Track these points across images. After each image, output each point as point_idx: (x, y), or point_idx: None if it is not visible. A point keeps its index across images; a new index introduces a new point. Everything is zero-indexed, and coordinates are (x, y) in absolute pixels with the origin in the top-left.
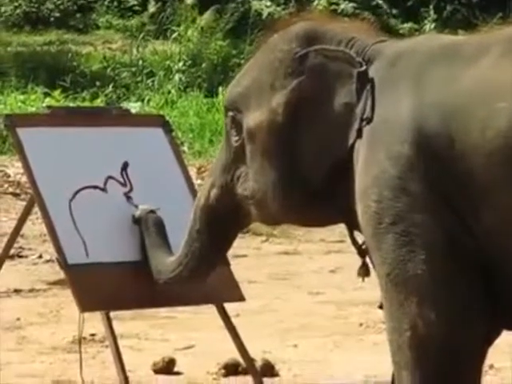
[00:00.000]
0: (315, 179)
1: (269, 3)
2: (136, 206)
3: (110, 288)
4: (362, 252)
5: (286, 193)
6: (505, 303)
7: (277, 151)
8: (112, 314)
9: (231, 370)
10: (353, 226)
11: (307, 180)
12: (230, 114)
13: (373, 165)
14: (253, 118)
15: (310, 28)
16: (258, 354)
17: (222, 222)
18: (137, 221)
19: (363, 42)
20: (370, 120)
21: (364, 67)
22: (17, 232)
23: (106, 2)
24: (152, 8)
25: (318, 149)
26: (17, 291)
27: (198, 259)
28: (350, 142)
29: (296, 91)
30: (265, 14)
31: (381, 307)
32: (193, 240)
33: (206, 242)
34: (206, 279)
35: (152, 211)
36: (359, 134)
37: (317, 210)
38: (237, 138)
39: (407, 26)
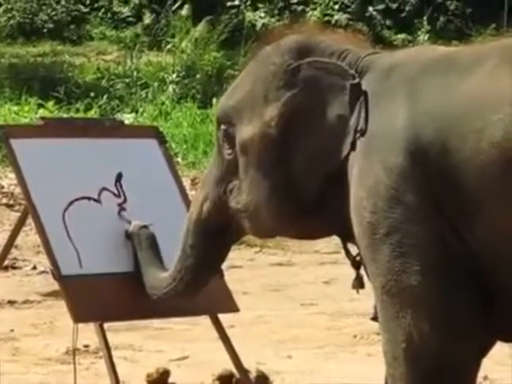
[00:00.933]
0: (308, 192)
1: (263, 14)
2: (129, 222)
3: (104, 299)
4: (356, 264)
5: (279, 205)
6: (500, 314)
7: (270, 164)
8: (106, 325)
9: (225, 381)
10: (347, 238)
11: (300, 192)
12: (223, 127)
13: (368, 176)
14: (246, 131)
15: (303, 40)
16: (252, 365)
17: (215, 235)
18: (129, 236)
19: (356, 53)
20: (363, 132)
21: (357, 79)
22: (11, 243)
23: (99, 14)
24: (147, 19)
25: (311, 161)
26: (11, 302)
27: (192, 274)
28: (344, 154)
29: (289, 104)
30: (259, 25)
31: (373, 319)
32: (186, 255)
33: (200, 257)
34: (199, 294)
35: (144, 226)
36: (353, 147)
37: (310, 222)
38: (229, 151)
39: (401, 36)
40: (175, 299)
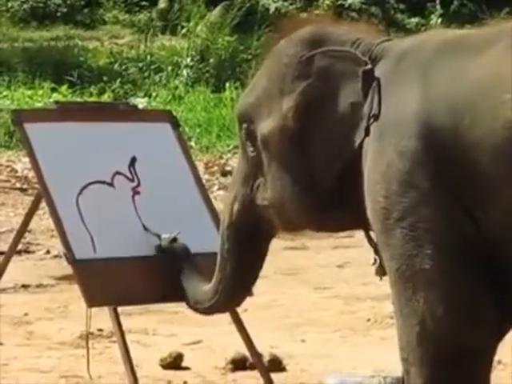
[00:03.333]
0: (328, 181)
1: None
2: (157, 236)
3: (118, 283)
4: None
5: (302, 198)
6: None
7: (290, 156)
8: (119, 309)
9: (239, 364)
10: (368, 226)
11: (321, 183)
12: (244, 125)
13: (381, 160)
14: (266, 126)
15: (315, 31)
16: (265, 348)
17: (249, 236)
18: (162, 251)
19: (368, 42)
20: (377, 117)
21: (369, 66)
22: (24, 227)
23: None
24: (162, 4)
25: (328, 150)
26: (24, 286)
27: (234, 281)
28: (359, 140)
29: (304, 94)
30: (272, 9)
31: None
32: (225, 263)
33: (238, 261)
34: (242, 302)
35: (175, 239)
36: (367, 132)
37: (335, 213)
38: (252, 148)
39: (414, 20)
40: (221, 311)
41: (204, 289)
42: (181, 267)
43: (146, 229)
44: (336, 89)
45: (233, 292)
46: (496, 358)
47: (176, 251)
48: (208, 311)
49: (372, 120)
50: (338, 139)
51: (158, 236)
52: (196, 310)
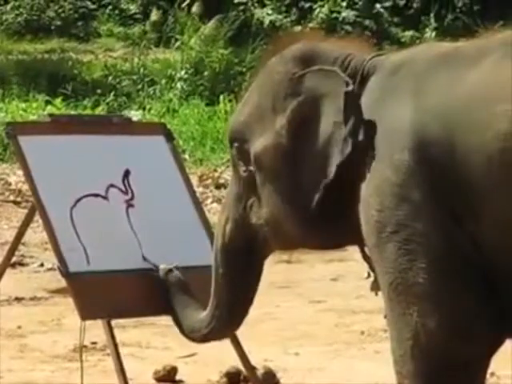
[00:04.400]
0: (320, 199)
1: (270, 11)
2: (155, 266)
3: (112, 296)
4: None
5: (297, 216)
6: (509, 311)
7: (284, 173)
8: (113, 322)
9: (233, 378)
10: (362, 240)
11: (314, 201)
12: (236, 144)
13: (374, 173)
14: (259, 144)
15: (306, 49)
16: (259, 362)
17: (244, 257)
18: (159, 281)
19: (360, 57)
20: (361, 138)
21: (350, 86)
22: (18, 240)
23: (107, 10)
24: (154, 16)
25: (315, 169)
26: (18, 299)
27: (231, 306)
28: (343, 161)
29: (294, 112)
30: (266, 22)
31: (386, 316)
32: (220, 287)
33: (234, 285)
34: (240, 326)
35: (171, 270)
36: (350, 154)
37: (328, 229)
38: (245, 167)
39: (408, 34)
40: (219, 337)
41: (199, 317)
42: (175, 298)
43: (144, 259)
44: (323, 107)
45: (230, 317)
46: (489, 370)
47: (171, 282)
48: (206, 338)
49: (356, 141)
50: (323, 158)
51: (156, 267)
52: (193, 338)
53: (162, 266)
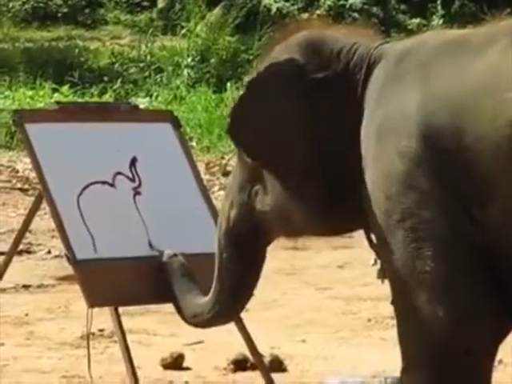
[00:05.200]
0: (329, 186)
1: None
2: (160, 252)
3: (119, 283)
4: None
5: (304, 203)
6: None
7: (290, 161)
8: (121, 309)
9: (240, 365)
10: (369, 227)
11: (322, 188)
12: None
13: (381, 161)
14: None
15: (312, 37)
16: (266, 349)
17: (247, 242)
18: (162, 266)
19: (366, 45)
20: (370, 127)
21: (358, 75)
22: (25, 227)
23: None
24: (160, 3)
25: (325, 157)
26: (25, 287)
27: (233, 291)
28: (351, 150)
29: (300, 101)
30: (273, 10)
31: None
32: (224, 271)
33: (238, 270)
34: (242, 311)
35: (175, 255)
36: (359, 144)
37: (337, 216)
38: None
39: (415, 21)
40: (222, 322)
41: (201, 302)
42: (177, 283)
43: (151, 246)
44: (329, 98)
45: (233, 302)
46: (497, 357)
47: (174, 266)
48: (208, 323)
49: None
50: (332, 147)
51: (161, 252)
52: (194, 323)
53: (166, 251)
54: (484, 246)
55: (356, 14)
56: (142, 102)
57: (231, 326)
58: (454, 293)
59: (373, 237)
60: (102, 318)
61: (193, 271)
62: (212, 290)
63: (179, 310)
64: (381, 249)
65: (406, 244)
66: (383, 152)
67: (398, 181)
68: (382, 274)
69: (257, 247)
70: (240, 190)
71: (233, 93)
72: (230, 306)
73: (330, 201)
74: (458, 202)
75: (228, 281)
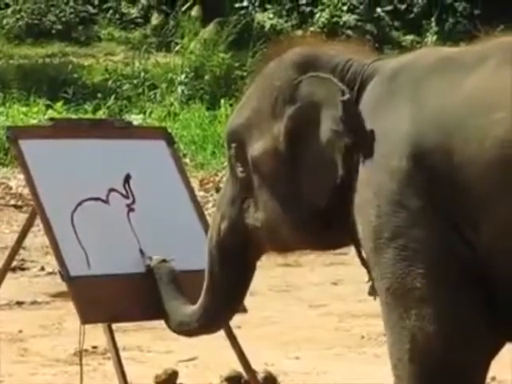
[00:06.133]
0: (319, 204)
1: (271, 15)
2: (150, 258)
3: (112, 300)
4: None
5: (295, 220)
6: (507, 315)
7: (282, 178)
8: (114, 325)
9: (233, 382)
10: (360, 245)
11: (312, 206)
12: (233, 145)
13: (372, 180)
14: (257, 148)
15: (306, 54)
16: (260, 365)
17: (237, 254)
18: (150, 271)
19: (360, 62)
20: (360, 148)
21: (347, 95)
22: (19, 244)
23: (108, 15)
24: (155, 20)
25: (314, 176)
26: (19, 303)
27: (222, 303)
28: (341, 169)
29: (292, 119)
30: (267, 26)
31: (370, 294)
32: (213, 283)
33: (226, 283)
34: (228, 323)
35: (164, 261)
36: (348, 162)
37: (328, 233)
38: (241, 169)
39: (409, 38)
40: (206, 333)
41: (189, 310)
42: (164, 289)
43: (142, 252)
44: (320, 115)
45: (221, 313)
46: (490, 374)
47: (161, 272)
48: (194, 333)
49: (356, 151)
50: (322, 166)
51: (150, 258)
52: (180, 332)
53: (155, 257)
54: (474, 263)
55: (350, 31)
56: (136, 119)
57: (225, 343)
58: (444, 310)
59: (364, 254)
60: (96, 334)
61: (184, 286)
62: (200, 300)
63: (165, 317)
64: (371, 266)
65: (397, 262)
66: (374, 171)
67: (388, 200)
68: (374, 291)
69: (246, 260)
70: (231, 203)
71: (227, 110)
72: (216, 317)
73: (322, 220)
74: (448, 221)
75: (216, 292)
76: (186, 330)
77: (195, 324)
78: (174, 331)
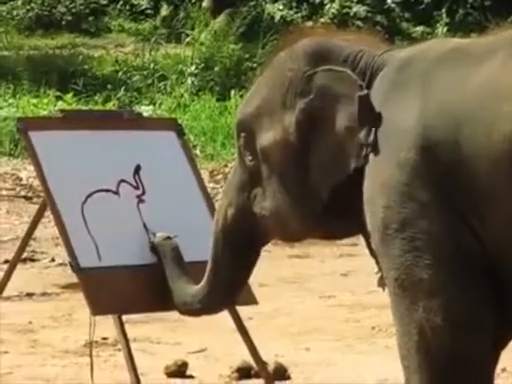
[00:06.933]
0: (328, 195)
1: (281, 7)
2: (154, 234)
3: (123, 291)
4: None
5: (303, 210)
6: None
7: (291, 168)
8: (124, 317)
9: (244, 373)
10: (368, 236)
11: (321, 196)
12: (243, 134)
13: (380, 171)
14: (266, 138)
15: (317, 44)
16: (270, 357)
17: (243, 241)
18: (154, 248)
19: (371, 53)
20: (374, 146)
21: (365, 91)
22: (29, 235)
23: (118, 6)
24: (164, 11)
25: (325, 168)
26: (29, 295)
27: (226, 284)
28: (353, 165)
29: (305, 111)
30: (277, 18)
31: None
32: (217, 266)
33: (231, 265)
34: (230, 306)
35: (168, 238)
36: (361, 160)
37: (336, 223)
38: (250, 157)
39: (419, 29)
40: (207, 314)
41: (193, 290)
42: (168, 266)
43: (146, 228)
44: (334, 109)
45: (222, 295)
46: (500, 365)
47: (165, 248)
48: (196, 313)
49: (369, 149)
50: (333, 160)
51: (154, 234)
52: (183, 311)
53: (159, 233)
54: (482, 255)
55: (360, 23)
56: (146, 110)
57: (235, 334)
58: (452, 301)
59: (372, 245)
60: (106, 326)
61: (193, 277)
62: (203, 281)
63: (170, 295)
64: (380, 257)
65: (405, 253)
66: (383, 162)
67: (396, 191)
68: (382, 282)
69: (251, 247)
70: (239, 190)
71: (237, 101)
72: (218, 299)
73: (329, 209)
74: (456, 212)
75: (220, 275)
76: (189, 309)
77: (197, 305)
78: (178, 310)
